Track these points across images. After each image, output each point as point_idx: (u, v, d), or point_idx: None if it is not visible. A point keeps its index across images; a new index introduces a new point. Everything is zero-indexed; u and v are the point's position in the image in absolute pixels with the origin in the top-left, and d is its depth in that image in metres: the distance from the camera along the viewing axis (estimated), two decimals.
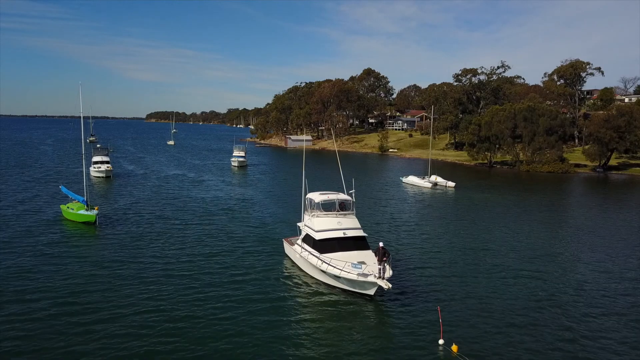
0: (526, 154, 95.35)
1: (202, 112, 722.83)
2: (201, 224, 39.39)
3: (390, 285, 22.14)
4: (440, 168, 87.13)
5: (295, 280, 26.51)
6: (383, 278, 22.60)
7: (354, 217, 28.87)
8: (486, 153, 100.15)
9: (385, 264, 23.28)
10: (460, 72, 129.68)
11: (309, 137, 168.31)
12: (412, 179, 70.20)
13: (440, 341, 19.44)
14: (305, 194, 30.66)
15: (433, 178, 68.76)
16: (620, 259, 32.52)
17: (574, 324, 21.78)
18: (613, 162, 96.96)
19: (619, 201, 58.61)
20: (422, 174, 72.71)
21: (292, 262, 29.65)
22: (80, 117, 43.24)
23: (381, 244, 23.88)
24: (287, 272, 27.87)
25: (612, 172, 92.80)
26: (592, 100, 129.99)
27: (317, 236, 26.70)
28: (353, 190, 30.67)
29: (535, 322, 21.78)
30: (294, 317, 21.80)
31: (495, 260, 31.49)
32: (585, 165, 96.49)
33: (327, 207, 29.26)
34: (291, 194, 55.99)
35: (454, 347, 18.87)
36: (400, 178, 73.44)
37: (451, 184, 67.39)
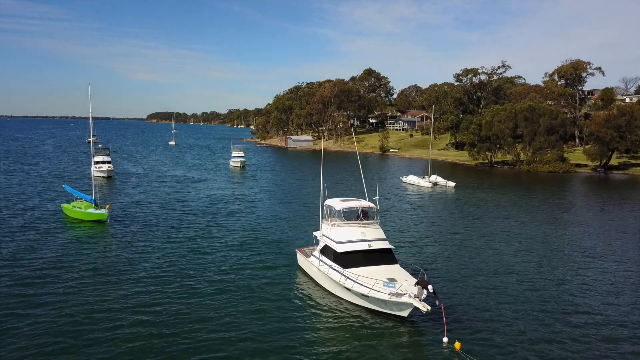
0: (527, 153, 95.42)
1: (203, 113, 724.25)
2: (206, 226, 39.32)
3: (430, 308, 19.37)
4: (441, 168, 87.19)
5: (311, 296, 24.11)
6: (420, 299, 20.07)
7: (379, 226, 26.03)
8: (487, 153, 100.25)
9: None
10: (461, 72, 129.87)
11: (310, 137, 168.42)
12: (412, 179, 70.41)
13: (444, 339, 19.51)
14: (324, 200, 27.89)
15: (433, 178, 69.05)
16: (623, 259, 32.59)
17: (576, 322, 21.84)
18: (614, 161, 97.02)
19: (620, 201, 58.63)
20: (422, 174, 72.98)
21: (307, 275, 26.88)
22: (88, 117, 43.72)
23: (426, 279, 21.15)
24: (301, 287, 25.35)
25: (612, 171, 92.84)
26: (592, 100, 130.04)
27: (339, 248, 24.04)
28: (377, 197, 27.79)
29: (537, 321, 21.83)
30: (305, 328, 21.52)
31: (497, 258, 31.56)
32: (585, 165, 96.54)
33: (348, 215, 26.55)
34: (300, 197, 55.03)
35: (457, 345, 18.95)
36: (401, 178, 73.57)
37: (451, 183, 67.61)
